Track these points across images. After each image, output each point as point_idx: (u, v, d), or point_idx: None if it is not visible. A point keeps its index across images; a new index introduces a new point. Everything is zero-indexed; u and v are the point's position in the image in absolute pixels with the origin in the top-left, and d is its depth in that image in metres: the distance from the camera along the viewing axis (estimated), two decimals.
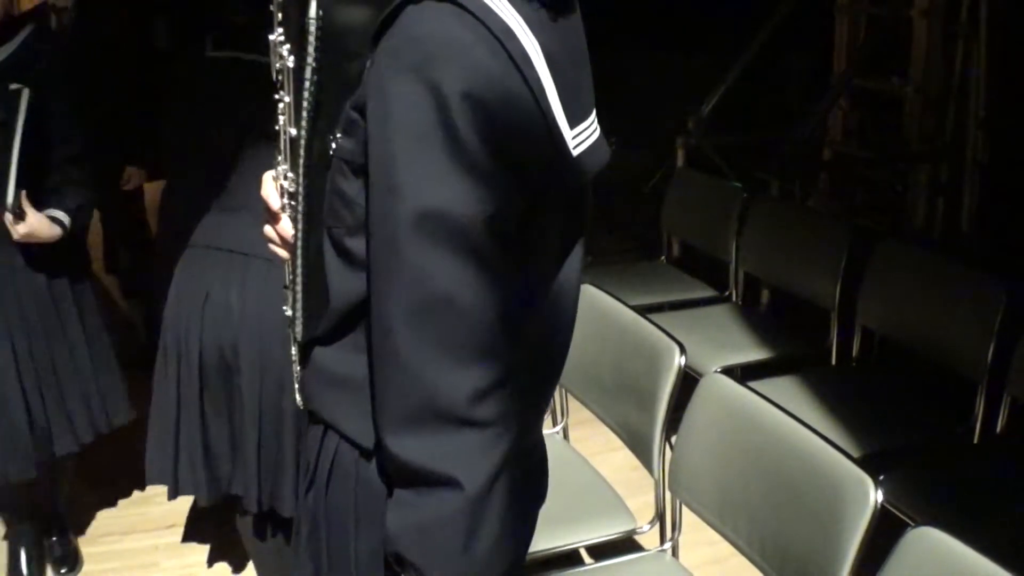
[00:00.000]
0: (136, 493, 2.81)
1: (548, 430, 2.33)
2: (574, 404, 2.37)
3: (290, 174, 1.09)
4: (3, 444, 2.15)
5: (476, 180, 0.87)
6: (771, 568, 1.66)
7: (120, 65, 3.09)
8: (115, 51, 3.11)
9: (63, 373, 2.22)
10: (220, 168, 2.00)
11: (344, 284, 1.02)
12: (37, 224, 2.05)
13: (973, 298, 2.35)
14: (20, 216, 2.01)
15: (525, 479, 1.03)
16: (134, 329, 3.71)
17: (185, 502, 2.20)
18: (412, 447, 0.91)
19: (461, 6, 0.87)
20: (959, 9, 3.82)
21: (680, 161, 4.06)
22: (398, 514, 0.94)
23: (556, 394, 2.32)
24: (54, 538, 2.49)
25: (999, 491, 2.12)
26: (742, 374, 2.63)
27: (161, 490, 2.10)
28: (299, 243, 1.11)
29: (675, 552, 1.96)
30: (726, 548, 1.80)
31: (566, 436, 2.43)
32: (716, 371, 2.17)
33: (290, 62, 1.03)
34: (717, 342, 2.83)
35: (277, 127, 1.09)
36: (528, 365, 1.01)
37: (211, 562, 2.54)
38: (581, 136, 0.99)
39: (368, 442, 1.02)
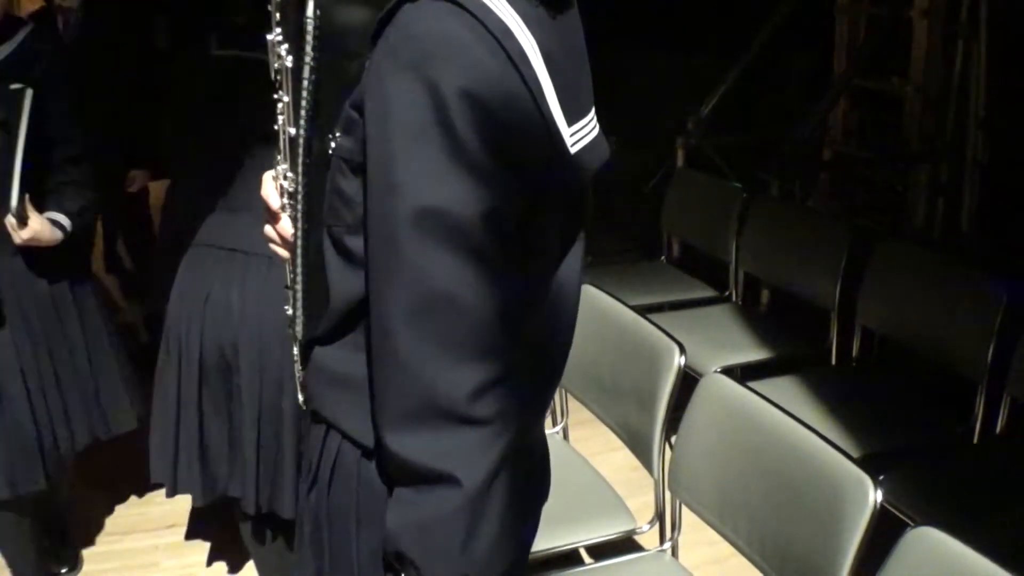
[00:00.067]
0: (136, 493, 2.81)
1: (548, 430, 2.32)
2: (574, 404, 2.37)
3: (290, 174, 1.09)
4: (11, 455, 2.11)
5: (475, 178, 0.87)
6: (771, 568, 1.66)
7: (121, 65, 3.10)
8: (117, 51, 3.11)
9: (64, 377, 2.20)
10: (223, 167, 1.99)
11: (344, 283, 1.02)
12: (40, 228, 2.02)
13: (973, 298, 2.35)
14: (24, 220, 1.98)
15: (527, 478, 1.04)
16: (134, 330, 3.71)
17: (185, 502, 2.21)
18: (411, 445, 0.91)
19: (459, 4, 0.87)
20: (959, 9, 3.82)
21: (680, 161, 4.05)
22: (398, 512, 0.94)
23: (556, 394, 2.32)
24: (54, 538, 2.48)
25: (999, 491, 2.12)
26: (742, 374, 2.63)
27: (161, 490, 2.10)
28: (299, 242, 1.11)
29: (675, 552, 1.96)
30: (726, 548, 1.79)
31: (566, 436, 2.43)
32: (716, 371, 2.17)
33: (288, 62, 1.03)
34: (717, 342, 2.83)
35: (276, 127, 1.09)
36: (529, 364, 1.01)
37: (211, 562, 2.54)
38: (580, 134, 0.99)
39: (370, 441, 1.02)
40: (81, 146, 2.17)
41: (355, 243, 0.99)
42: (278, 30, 1.04)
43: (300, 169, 1.07)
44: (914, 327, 2.53)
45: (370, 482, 1.04)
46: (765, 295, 3.52)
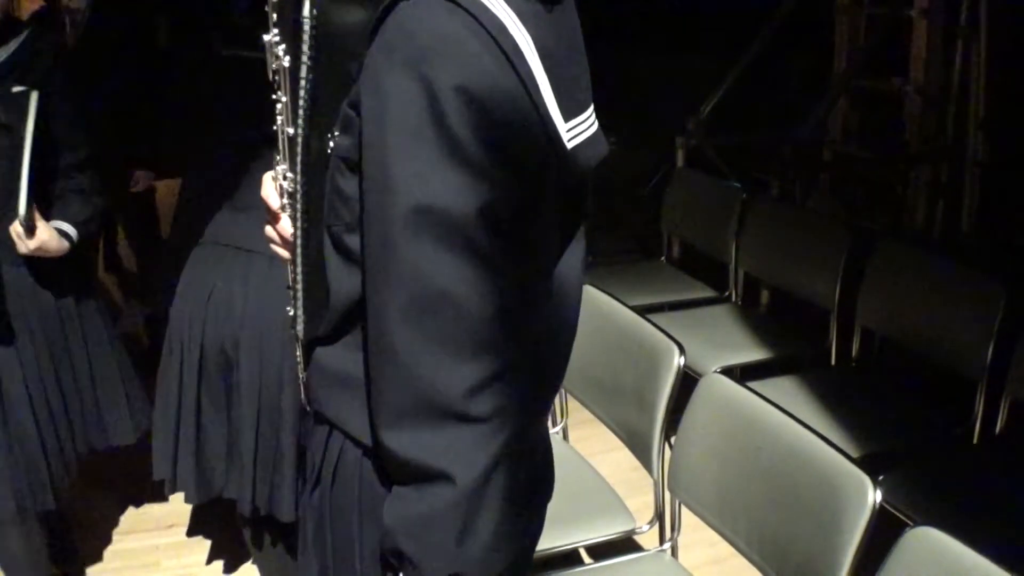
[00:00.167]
0: (136, 493, 2.81)
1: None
2: (574, 404, 2.37)
3: (289, 174, 1.10)
4: (15, 471, 2.04)
5: (471, 175, 0.87)
6: (770, 568, 1.66)
7: (124, 64, 3.09)
8: (120, 50, 3.11)
9: (67, 389, 2.16)
10: (227, 166, 1.99)
11: (344, 282, 1.02)
12: (47, 238, 1.95)
13: (973, 298, 2.35)
14: (32, 230, 1.91)
15: (528, 477, 1.03)
16: (136, 337, 3.69)
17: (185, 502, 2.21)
18: (408, 442, 0.91)
19: (454, 1, 0.87)
20: (959, 9, 3.82)
21: (680, 161, 4.05)
22: (395, 508, 0.95)
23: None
24: (55, 538, 2.48)
25: (999, 491, 2.12)
26: (741, 374, 2.63)
27: (161, 490, 2.10)
28: (299, 242, 1.11)
29: (674, 552, 1.96)
30: (725, 548, 1.79)
31: (566, 436, 2.43)
32: (715, 371, 2.17)
33: (286, 62, 1.03)
34: (717, 342, 2.83)
35: (275, 127, 1.09)
36: (528, 362, 1.01)
37: (211, 562, 2.54)
38: (577, 130, 0.99)
39: (371, 441, 1.02)
40: (87, 151, 2.11)
41: (355, 242, 0.99)
42: (275, 30, 1.04)
43: (299, 169, 1.07)
44: (914, 327, 2.53)
45: (372, 481, 1.04)
46: (765, 295, 3.52)
